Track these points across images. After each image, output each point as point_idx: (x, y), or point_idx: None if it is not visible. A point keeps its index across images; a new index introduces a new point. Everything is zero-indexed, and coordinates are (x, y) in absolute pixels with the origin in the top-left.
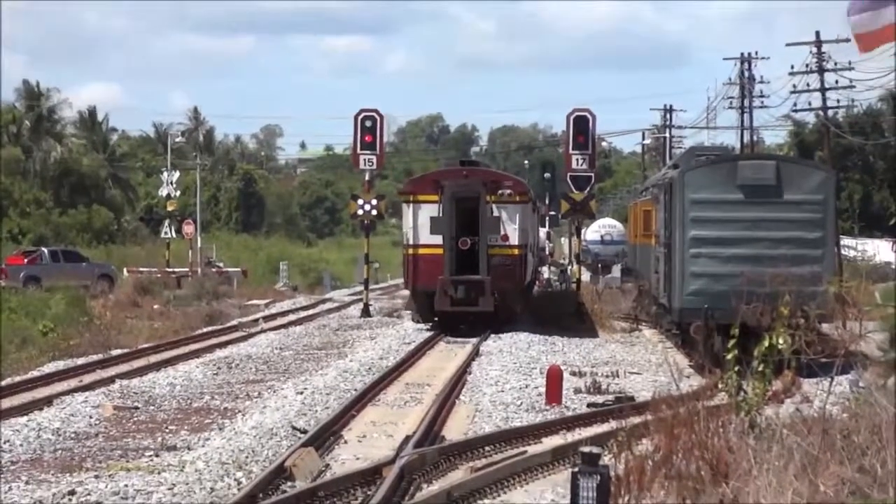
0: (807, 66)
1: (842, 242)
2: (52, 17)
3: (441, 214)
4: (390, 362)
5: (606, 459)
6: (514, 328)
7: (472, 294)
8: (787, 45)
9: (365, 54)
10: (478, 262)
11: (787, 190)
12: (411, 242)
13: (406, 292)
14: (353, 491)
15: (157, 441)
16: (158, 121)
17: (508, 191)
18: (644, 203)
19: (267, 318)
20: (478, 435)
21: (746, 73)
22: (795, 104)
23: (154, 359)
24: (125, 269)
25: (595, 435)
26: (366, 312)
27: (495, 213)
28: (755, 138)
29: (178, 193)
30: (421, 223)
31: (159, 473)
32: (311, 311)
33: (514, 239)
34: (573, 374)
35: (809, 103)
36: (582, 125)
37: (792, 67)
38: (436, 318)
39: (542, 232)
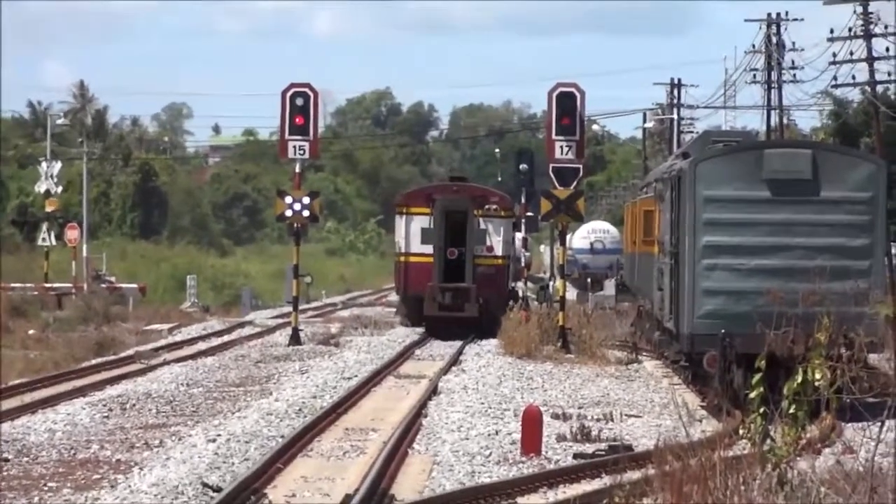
0: (850, 29)
1: (895, 251)
2: None
3: (432, 226)
4: (326, 402)
5: None
6: (484, 359)
7: (459, 300)
8: (826, 2)
9: (293, 13)
10: (464, 270)
11: (825, 186)
12: (403, 251)
13: (344, 313)
14: None
15: (33, 503)
16: (35, 98)
17: (495, 206)
18: (645, 202)
19: (171, 347)
20: (436, 494)
21: (774, 39)
22: (836, 78)
23: (29, 398)
24: None
25: (584, 493)
26: (295, 339)
27: (482, 226)
28: (785, 121)
29: (59, 190)
30: (413, 233)
31: None
32: (226, 338)
33: (499, 250)
34: (556, 416)
35: (854, 77)
36: (567, 104)
37: (831, 32)
38: (424, 323)
39: (518, 238)
